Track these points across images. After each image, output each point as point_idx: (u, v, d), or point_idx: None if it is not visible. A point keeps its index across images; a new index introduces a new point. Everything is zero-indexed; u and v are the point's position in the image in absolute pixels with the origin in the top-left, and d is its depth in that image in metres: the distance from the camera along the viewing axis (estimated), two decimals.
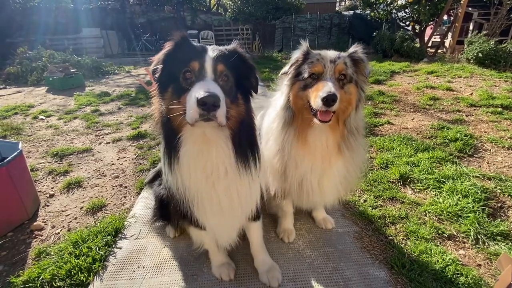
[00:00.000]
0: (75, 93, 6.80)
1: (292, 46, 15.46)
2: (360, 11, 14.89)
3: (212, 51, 1.08)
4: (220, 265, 1.64)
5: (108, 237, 1.94)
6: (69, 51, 10.11)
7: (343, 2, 27.01)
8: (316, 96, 1.28)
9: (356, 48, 1.45)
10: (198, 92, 0.92)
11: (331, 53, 1.39)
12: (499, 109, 4.24)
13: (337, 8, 21.90)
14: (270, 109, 1.66)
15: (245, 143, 1.17)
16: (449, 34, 10.67)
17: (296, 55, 1.46)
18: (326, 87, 1.25)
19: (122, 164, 3.20)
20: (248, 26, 15.98)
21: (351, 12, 16.23)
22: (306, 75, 1.38)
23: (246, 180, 1.21)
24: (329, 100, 1.21)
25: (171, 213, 1.61)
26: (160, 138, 1.20)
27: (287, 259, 1.73)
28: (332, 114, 1.31)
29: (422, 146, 3.10)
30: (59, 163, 3.24)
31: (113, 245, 1.90)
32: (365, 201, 2.28)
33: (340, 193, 1.65)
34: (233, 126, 1.11)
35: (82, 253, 1.79)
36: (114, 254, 1.82)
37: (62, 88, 7.25)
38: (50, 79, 7.43)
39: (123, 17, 16.76)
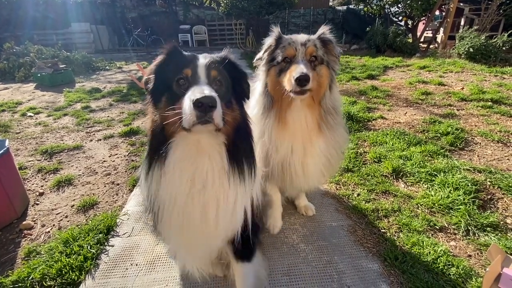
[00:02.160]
0: (64, 89, 6.64)
1: None
2: (354, 6, 14.91)
3: (204, 58, 1.09)
4: None
5: (100, 235, 1.91)
6: (58, 47, 9.85)
7: None
8: (290, 77, 1.34)
9: (323, 30, 1.51)
10: (193, 94, 0.92)
11: (302, 37, 1.46)
12: (489, 103, 4.31)
13: (330, 3, 21.84)
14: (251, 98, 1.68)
15: (240, 150, 1.12)
16: (441, 29, 10.77)
17: (269, 40, 1.51)
18: (298, 69, 1.31)
19: (114, 161, 3.15)
20: (242, 21, 15.84)
21: (345, 7, 16.24)
22: (280, 59, 1.43)
23: (233, 193, 1.12)
24: (302, 80, 1.28)
25: None
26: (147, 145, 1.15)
27: (281, 253, 1.73)
28: (307, 92, 1.37)
29: (414, 140, 3.13)
30: (48, 161, 3.16)
31: (105, 243, 1.87)
32: (358, 195, 2.30)
33: (324, 175, 1.70)
34: (228, 132, 1.07)
35: (73, 251, 1.76)
36: (106, 252, 1.80)
37: (51, 85, 7.07)
38: (39, 75, 7.24)
39: (114, 11, 16.39)
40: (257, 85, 1.62)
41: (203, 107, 0.90)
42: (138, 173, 1.32)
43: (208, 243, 1.24)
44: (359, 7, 13.87)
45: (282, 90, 1.42)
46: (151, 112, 1.10)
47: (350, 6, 15.97)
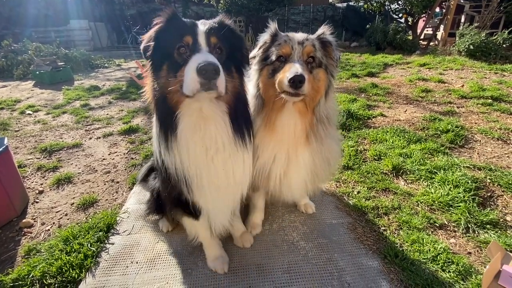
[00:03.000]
0: (63, 87, 6.61)
1: None
2: (354, 3, 14.83)
3: (203, 25, 1.09)
4: (214, 259, 1.63)
5: (100, 233, 1.91)
6: (57, 44, 9.79)
7: None
8: (283, 77, 1.22)
9: (323, 29, 1.39)
10: (197, 62, 0.93)
11: (299, 35, 1.35)
12: (489, 100, 4.31)
13: (330, 0, 21.72)
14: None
15: (240, 118, 1.18)
16: (441, 27, 10.72)
17: (264, 37, 1.41)
18: (293, 68, 1.20)
19: (113, 159, 3.14)
20: (241, 18, 15.74)
21: (345, 4, 16.14)
22: (274, 57, 1.32)
23: (241, 155, 1.22)
24: (296, 81, 1.15)
25: (166, 203, 1.57)
26: (154, 119, 1.20)
27: (282, 251, 1.73)
28: (300, 95, 1.24)
29: (414, 138, 3.13)
30: (48, 159, 3.15)
31: (106, 241, 1.87)
32: (358, 192, 2.30)
33: (308, 187, 1.62)
34: (229, 100, 1.12)
35: (73, 249, 1.76)
36: (107, 250, 1.80)
37: (50, 82, 7.05)
38: (37, 73, 7.20)
39: (112, 8, 16.30)
40: (249, 85, 1.51)
41: (207, 74, 0.92)
42: (153, 148, 1.35)
43: (233, 198, 1.39)
44: (359, 4, 13.79)
45: (275, 92, 1.32)
46: (151, 80, 1.12)
47: (350, 3, 15.88)
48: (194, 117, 1.11)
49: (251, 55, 1.46)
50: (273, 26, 1.40)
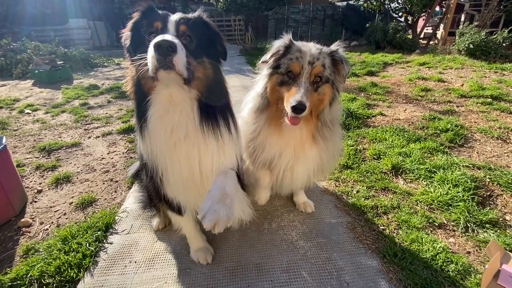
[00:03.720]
0: (62, 86, 6.59)
1: None
2: (354, 2, 14.80)
3: (176, 15, 1.15)
4: (197, 250, 1.67)
5: (99, 232, 1.90)
6: (55, 43, 9.76)
7: None
8: (287, 101, 1.32)
9: (337, 47, 1.43)
10: (155, 39, 0.96)
11: (312, 51, 1.37)
12: (489, 99, 4.30)
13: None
14: (251, 90, 1.70)
15: (213, 106, 1.18)
16: (441, 26, 10.71)
17: (278, 44, 1.45)
18: (297, 95, 1.28)
19: (112, 158, 3.14)
20: (241, 17, 15.71)
21: (345, 3, 16.10)
22: (283, 70, 1.39)
23: (210, 145, 1.20)
24: (297, 109, 1.26)
25: (154, 198, 1.59)
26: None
27: (281, 251, 1.73)
28: (301, 119, 1.36)
29: (414, 137, 3.12)
30: (46, 158, 3.15)
31: (104, 241, 1.86)
32: (357, 191, 2.29)
33: (311, 179, 1.71)
34: (200, 88, 1.13)
35: (71, 249, 1.76)
36: (105, 250, 1.79)
37: (49, 81, 7.02)
38: (36, 72, 7.18)
39: (112, 7, 16.25)
40: (258, 81, 1.60)
41: (161, 49, 0.94)
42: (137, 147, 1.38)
43: (204, 188, 1.32)
44: (359, 3, 13.76)
45: (279, 98, 1.42)
46: (130, 69, 1.17)
47: (350, 2, 15.84)
48: (163, 103, 1.13)
49: (263, 59, 1.52)
50: (287, 37, 1.43)
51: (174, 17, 1.13)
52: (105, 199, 2.41)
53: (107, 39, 15.91)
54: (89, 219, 2.07)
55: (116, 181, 2.67)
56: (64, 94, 5.94)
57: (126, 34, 1.18)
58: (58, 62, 7.65)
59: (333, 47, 1.43)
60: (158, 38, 0.96)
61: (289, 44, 1.42)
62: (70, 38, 13.98)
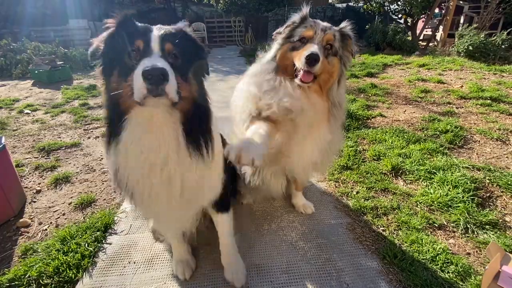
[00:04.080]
0: (62, 86, 6.59)
1: None
2: (353, 4, 14.85)
3: (158, 30, 1.04)
4: (177, 261, 1.58)
5: (98, 232, 1.90)
6: (56, 43, 9.76)
7: None
8: (301, 55, 1.33)
9: (345, 24, 1.50)
10: (143, 66, 0.88)
11: (324, 23, 1.46)
12: (488, 101, 4.31)
13: (330, 1, 21.75)
14: (252, 66, 1.68)
15: (197, 128, 1.10)
16: (440, 27, 10.74)
17: (295, 17, 1.51)
18: (312, 48, 1.32)
19: None
20: (241, 18, 15.73)
21: (344, 5, 16.15)
22: (296, 38, 1.44)
23: (194, 169, 1.12)
24: (311, 59, 1.27)
25: None
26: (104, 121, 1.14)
27: (280, 251, 1.72)
28: (312, 76, 1.36)
29: (413, 138, 3.13)
30: (46, 158, 3.14)
31: (103, 241, 1.86)
32: (357, 192, 2.29)
33: (318, 165, 1.68)
34: (184, 108, 1.04)
35: (70, 249, 1.75)
36: (104, 250, 1.78)
37: (49, 82, 7.01)
38: (36, 72, 7.17)
39: (112, 8, 16.26)
40: (262, 57, 1.62)
41: (153, 79, 0.87)
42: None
43: (183, 213, 1.27)
44: (359, 4, 13.81)
45: (289, 65, 1.43)
46: (103, 85, 1.07)
47: (350, 4, 15.90)
48: (142, 124, 1.03)
49: (277, 30, 1.57)
50: (305, 10, 1.48)
51: (157, 32, 1.02)
52: (104, 199, 2.40)
53: None
54: (88, 219, 2.06)
55: None
56: (63, 94, 5.94)
57: (97, 45, 1.05)
58: (58, 63, 7.64)
59: (342, 24, 1.50)
60: (147, 64, 0.88)
61: (305, 16, 1.48)
62: (70, 38, 13.96)
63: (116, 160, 1.09)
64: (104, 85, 1.06)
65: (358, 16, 14.32)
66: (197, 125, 1.10)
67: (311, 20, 1.48)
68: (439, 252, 1.64)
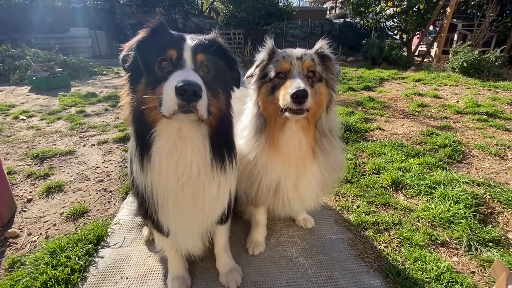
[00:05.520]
0: (59, 93, 6.55)
1: None
2: (350, 19, 15.26)
3: (191, 39, 1.00)
4: (173, 278, 1.51)
5: (89, 245, 1.82)
6: (55, 50, 9.79)
7: (334, 11, 27.62)
8: (285, 94, 1.19)
9: (321, 44, 1.37)
10: (177, 80, 0.84)
11: (297, 51, 1.33)
12: (484, 116, 4.36)
13: (327, 16, 22.33)
14: (243, 116, 1.57)
15: (222, 142, 1.09)
16: (435, 44, 11.03)
17: (261, 55, 1.38)
18: (295, 83, 1.17)
19: (107, 167, 3.06)
20: (240, 31, 16.03)
21: (342, 20, 16.59)
22: (272, 74, 1.29)
23: (216, 182, 1.12)
24: (299, 96, 1.13)
25: (140, 213, 1.50)
26: (130, 133, 1.12)
27: (280, 268, 1.66)
28: (304, 111, 1.21)
29: (412, 152, 3.12)
30: (39, 166, 3.06)
31: (95, 254, 1.77)
32: (358, 206, 2.25)
33: (319, 197, 1.61)
34: (212, 123, 1.03)
35: (60, 263, 1.66)
36: (95, 264, 1.70)
37: (46, 88, 6.98)
38: (34, 78, 7.14)
39: (113, 17, 16.48)
40: (248, 105, 1.50)
41: (186, 95, 0.82)
42: (128, 166, 1.31)
43: (200, 225, 1.28)
44: (356, 20, 14.19)
45: (275, 110, 1.29)
46: (128, 94, 1.03)
47: (347, 19, 16.34)
48: (171, 138, 1.01)
49: (247, 73, 1.44)
50: (269, 43, 1.36)
51: (190, 42, 0.98)
52: (98, 210, 2.33)
53: (107, 48, 16.03)
54: (80, 231, 1.98)
55: (110, 191, 2.59)
56: (61, 101, 5.89)
57: (127, 54, 1.01)
58: (57, 69, 7.64)
59: (317, 45, 1.37)
60: (181, 79, 0.83)
61: (272, 50, 1.35)
62: (70, 46, 14.07)
63: (149, 174, 1.06)
64: (129, 93, 1.02)
65: (355, 31, 14.71)
66: (222, 139, 1.09)
67: (281, 51, 1.34)
68: (443, 271, 1.59)
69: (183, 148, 1.03)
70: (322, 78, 1.32)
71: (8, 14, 13.69)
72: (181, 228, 1.27)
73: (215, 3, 21.00)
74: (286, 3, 18.27)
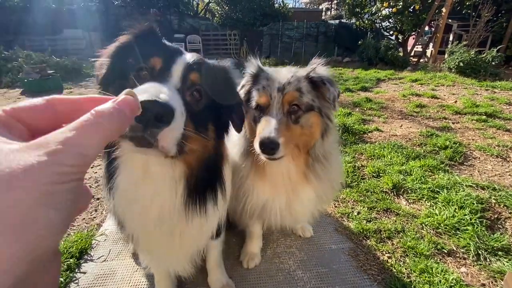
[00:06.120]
0: (51, 95, 6.39)
1: (279, 52, 15.55)
2: (346, 20, 15.26)
3: (192, 56, 0.81)
4: None
5: (71, 259, 1.68)
6: (48, 52, 9.61)
7: (329, 12, 27.71)
8: (256, 139, 1.03)
9: (314, 65, 1.17)
10: (139, 91, 0.58)
11: (282, 76, 1.13)
12: (484, 117, 4.29)
13: (323, 17, 22.35)
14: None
15: (203, 186, 0.89)
16: (431, 44, 11.03)
17: (245, 79, 1.23)
18: (265, 130, 1.00)
19: (96, 172, 2.92)
20: (236, 32, 15.96)
21: (337, 21, 16.58)
22: (253, 104, 1.15)
23: (195, 224, 0.93)
24: (267, 147, 0.97)
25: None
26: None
27: (277, 283, 1.54)
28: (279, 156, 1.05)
29: (413, 154, 3.03)
30: None
31: (76, 270, 1.64)
32: (358, 213, 2.14)
33: (314, 214, 1.48)
34: (191, 163, 0.81)
35: None
36: (77, 281, 1.57)
37: (38, 90, 6.80)
38: (26, 80, 6.97)
39: (107, 19, 16.29)
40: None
41: (145, 116, 0.53)
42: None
43: (184, 254, 1.14)
44: (351, 21, 14.19)
45: None
46: None
47: (342, 20, 16.33)
48: (135, 173, 0.82)
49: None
50: (255, 63, 1.20)
51: (188, 57, 0.79)
52: (83, 218, 2.19)
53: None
54: (62, 243, 1.84)
55: (98, 199, 2.45)
56: None
57: (101, 62, 0.83)
58: (49, 71, 7.46)
59: (309, 67, 1.18)
60: (147, 91, 0.58)
61: (257, 72, 1.18)
62: (64, 48, 13.85)
63: (114, 204, 0.90)
64: None
65: (350, 32, 14.72)
66: (205, 181, 0.88)
67: (265, 75, 1.15)
68: (452, 284, 1.48)
69: (150, 187, 0.84)
70: (313, 107, 1.13)
71: (1, 17, 13.46)
72: (164, 256, 1.12)
73: (210, 4, 20.91)
74: (281, 4, 18.27)
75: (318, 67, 1.17)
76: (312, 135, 1.16)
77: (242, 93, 1.22)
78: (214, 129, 0.84)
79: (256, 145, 1.03)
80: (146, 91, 0.58)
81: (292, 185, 1.25)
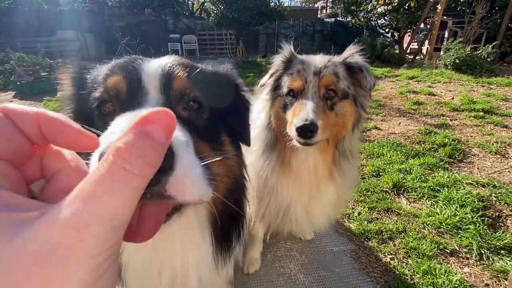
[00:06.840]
0: (45, 98, 6.29)
1: (275, 51, 15.44)
2: (342, 18, 15.25)
3: (166, 58, 0.63)
4: None
5: None
6: (41, 54, 9.48)
7: (325, 10, 27.73)
8: (291, 123, 1.00)
9: (351, 51, 1.15)
10: (103, 140, 0.37)
11: (318, 61, 1.10)
12: (481, 113, 4.29)
13: (318, 16, 22.36)
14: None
15: (229, 221, 0.72)
16: (426, 42, 11.06)
17: (276, 63, 1.20)
18: (303, 112, 0.96)
19: None
20: (232, 31, 15.88)
21: (333, 19, 16.58)
22: (284, 90, 1.11)
23: (225, 273, 0.80)
24: (305, 130, 0.93)
25: None
26: None
27: (278, 287, 1.51)
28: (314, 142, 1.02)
29: (412, 152, 3.01)
30: None
31: None
32: (359, 213, 2.12)
33: (331, 218, 1.43)
34: (216, 199, 0.62)
35: None
36: None
37: (31, 93, 6.71)
38: (18, 83, 6.87)
39: (102, 20, 16.14)
40: (257, 112, 1.28)
41: None
42: None
43: None
44: (347, 19, 14.19)
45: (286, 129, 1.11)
46: None
47: (338, 18, 16.33)
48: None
49: (261, 82, 1.24)
50: (287, 48, 1.16)
51: (159, 62, 0.60)
52: None
53: (96, 51, 15.68)
54: None
55: None
56: (46, 106, 5.64)
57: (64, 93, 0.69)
58: (42, 74, 7.36)
59: (346, 53, 1.15)
60: (107, 139, 0.38)
61: (289, 58, 1.16)
62: (58, 49, 13.70)
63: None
64: None
65: (346, 30, 14.72)
66: (230, 217, 0.71)
67: (299, 60, 1.12)
68: (456, 285, 1.46)
69: (167, 243, 0.64)
70: (348, 94, 1.09)
71: None
72: None
73: (206, 3, 20.81)
74: (277, 3, 18.24)
75: (354, 54, 1.14)
76: (345, 125, 1.11)
77: (271, 81, 1.18)
78: (230, 141, 0.67)
79: (292, 129, 0.98)
80: (114, 132, 0.40)
81: (317, 182, 1.21)
